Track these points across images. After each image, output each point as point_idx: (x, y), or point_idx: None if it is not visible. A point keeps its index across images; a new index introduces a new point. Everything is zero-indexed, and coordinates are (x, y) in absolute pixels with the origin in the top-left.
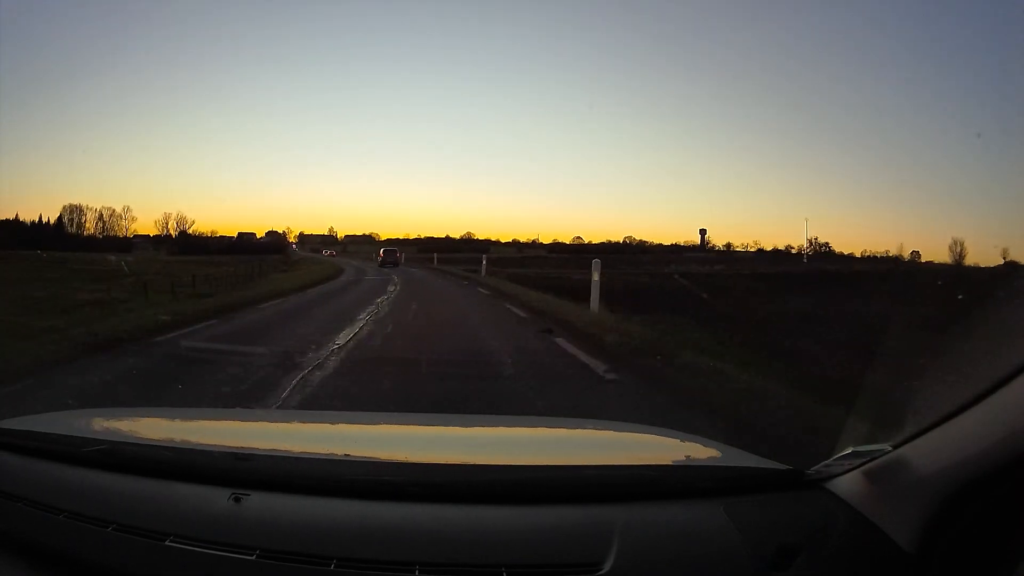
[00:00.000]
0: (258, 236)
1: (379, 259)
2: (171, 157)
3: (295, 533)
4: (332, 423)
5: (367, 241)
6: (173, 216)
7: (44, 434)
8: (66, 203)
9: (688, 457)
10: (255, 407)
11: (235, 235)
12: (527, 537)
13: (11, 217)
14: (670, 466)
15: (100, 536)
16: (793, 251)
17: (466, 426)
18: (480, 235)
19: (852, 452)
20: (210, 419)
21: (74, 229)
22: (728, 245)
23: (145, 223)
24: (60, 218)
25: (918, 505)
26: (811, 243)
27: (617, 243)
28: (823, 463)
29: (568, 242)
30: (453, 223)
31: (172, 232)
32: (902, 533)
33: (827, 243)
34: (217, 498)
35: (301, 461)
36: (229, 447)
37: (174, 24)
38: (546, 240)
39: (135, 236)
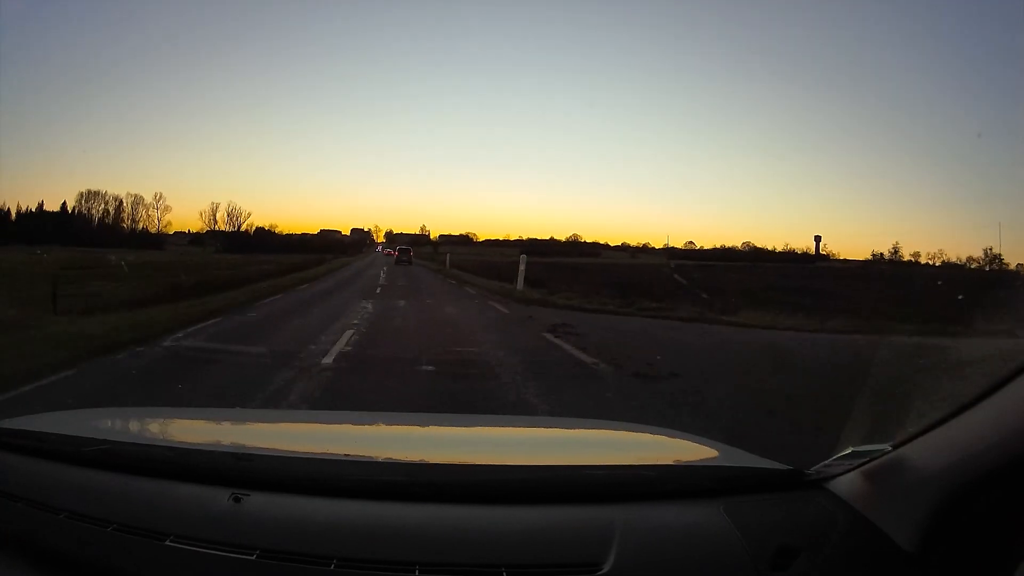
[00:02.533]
0: (343, 233)
1: (394, 256)
2: (234, 150)
3: (295, 533)
4: (332, 423)
5: (463, 241)
6: (223, 207)
7: (44, 434)
8: (82, 189)
9: (688, 457)
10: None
11: (317, 232)
12: (527, 537)
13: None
14: (670, 466)
15: (100, 536)
16: (972, 264)
17: (465, 426)
18: (587, 237)
19: (852, 452)
20: (210, 419)
21: (110, 221)
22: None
23: (186, 215)
24: (64, 206)
25: (918, 505)
26: (986, 254)
27: (733, 248)
28: (823, 463)
29: (680, 247)
30: (558, 225)
31: (221, 226)
32: (902, 533)
33: (999, 255)
34: (217, 498)
35: (301, 461)
36: (229, 447)
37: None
38: (657, 244)
39: (212, 231)
